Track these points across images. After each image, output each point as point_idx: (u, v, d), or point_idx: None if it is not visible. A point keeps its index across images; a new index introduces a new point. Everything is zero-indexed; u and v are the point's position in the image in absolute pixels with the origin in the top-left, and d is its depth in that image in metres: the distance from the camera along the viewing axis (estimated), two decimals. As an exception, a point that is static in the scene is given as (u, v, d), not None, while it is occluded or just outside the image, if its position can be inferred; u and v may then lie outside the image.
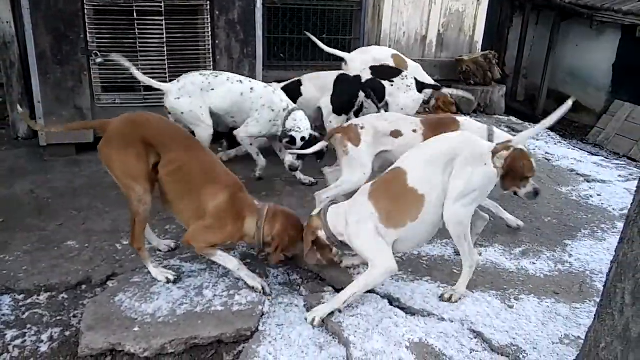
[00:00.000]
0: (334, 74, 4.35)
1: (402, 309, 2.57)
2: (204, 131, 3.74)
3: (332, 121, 4.22)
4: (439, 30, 6.88)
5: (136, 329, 2.36)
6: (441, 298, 2.64)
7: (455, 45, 7.01)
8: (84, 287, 2.77)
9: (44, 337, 2.46)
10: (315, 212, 2.71)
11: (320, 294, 2.70)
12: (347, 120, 4.18)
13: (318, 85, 4.34)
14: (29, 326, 2.51)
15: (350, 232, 2.52)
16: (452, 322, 2.49)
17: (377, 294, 2.66)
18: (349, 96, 4.25)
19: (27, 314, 2.59)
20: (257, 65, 4.71)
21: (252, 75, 4.68)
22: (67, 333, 2.48)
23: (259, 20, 4.59)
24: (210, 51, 4.52)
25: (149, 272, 2.78)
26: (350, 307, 2.55)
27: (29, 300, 2.67)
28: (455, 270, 2.92)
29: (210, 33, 4.46)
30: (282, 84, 4.38)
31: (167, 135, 2.68)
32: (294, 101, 4.14)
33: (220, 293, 2.65)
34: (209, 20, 4.41)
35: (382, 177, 2.64)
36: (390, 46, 6.66)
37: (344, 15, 6.94)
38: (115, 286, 2.70)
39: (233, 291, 2.66)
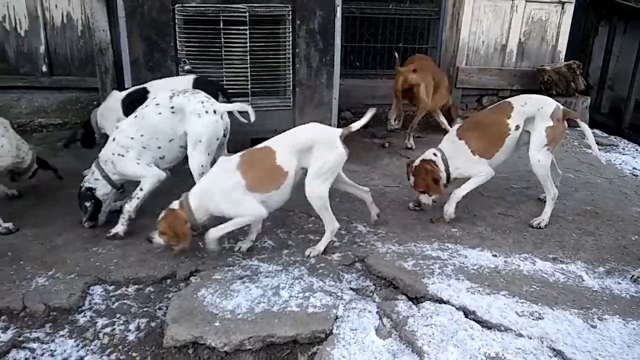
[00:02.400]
0: (186, 78, 4.05)
1: (478, 322, 2.53)
2: None
3: None
4: (519, 39, 6.69)
5: (217, 324, 2.46)
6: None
7: (537, 55, 6.80)
8: (168, 281, 2.93)
9: (132, 326, 2.62)
10: (175, 205, 3.01)
11: (393, 302, 2.72)
12: None
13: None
14: (118, 315, 2.69)
15: (217, 201, 2.95)
16: (531, 338, 2.43)
17: (453, 305, 2.64)
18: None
19: (116, 304, 2.77)
20: (334, 74, 4.78)
21: (330, 84, 4.77)
22: (153, 324, 2.63)
23: (338, 30, 4.67)
24: (290, 60, 4.64)
25: (229, 270, 2.91)
26: (424, 316, 2.55)
27: (118, 291, 2.86)
28: (534, 286, 2.85)
29: (290, 42, 4.58)
30: (126, 92, 4.06)
31: None
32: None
33: (295, 294, 2.72)
34: (290, 30, 4.53)
35: (249, 153, 3.09)
36: (468, 55, 6.57)
37: (421, 23, 6.91)
38: (198, 282, 2.84)
39: (308, 293, 2.72)
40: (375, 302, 2.74)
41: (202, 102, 3.30)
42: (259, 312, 2.56)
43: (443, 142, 3.74)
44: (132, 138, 3.27)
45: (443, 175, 3.63)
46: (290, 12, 4.48)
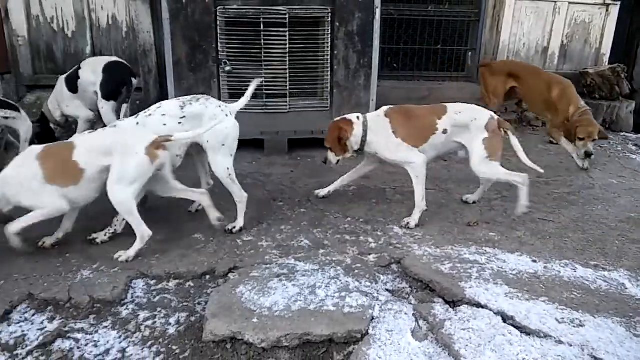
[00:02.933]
0: (105, 60, 4.52)
1: (517, 327, 2.50)
2: None
3: (104, 106, 4.45)
4: (562, 42, 6.57)
5: (255, 320, 2.50)
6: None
7: (580, 58, 6.66)
8: (207, 277, 2.99)
9: (172, 320, 2.69)
10: None
11: (429, 304, 2.71)
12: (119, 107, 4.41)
13: (92, 70, 4.50)
14: (158, 309, 2.76)
15: (16, 190, 2.94)
16: (571, 346, 2.38)
17: (491, 310, 2.61)
18: (117, 84, 4.43)
19: (157, 297, 2.84)
20: (372, 75, 4.80)
21: (367, 85, 4.79)
22: (193, 318, 2.69)
23: (376, 31, 4.68)
24: (329, 61, 4.68)
25: (267, 267, 2.96)
26: (461, 320, 2.53)
27: (159, 286, 2.93)
28: (575, 293, 2.79)
29: (329, 44, 4.62)
30: (65, 75, 4.63)
31: None
32: (74, 85, 4.49)
33: (332, 294, 2.74)
34: (329, 32, 4.57)
35: (55, 145, 3.13)
36: (508, 58, 6.47)
37: (460, 25, 6.86)
38: (237, 278, 2.89)
39: (344, 293, 2.74)
40: (411, 304, 2.73)
41: (220, 107, 3.32)
42: (295, 310, 2.58)
43: (371, 114, 3.75)
44: None
45: (354, 139, 3.61)
46: (330, 14, 4.52)
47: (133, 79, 4.56)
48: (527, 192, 3.60)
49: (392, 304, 2.71)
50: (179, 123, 3.25)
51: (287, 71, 4.61)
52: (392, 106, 3.80)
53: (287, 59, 4.57)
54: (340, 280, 2.88)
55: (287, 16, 4.42)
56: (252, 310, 2.57)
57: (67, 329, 2.59)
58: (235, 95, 4.65)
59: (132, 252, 3.10)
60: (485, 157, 3.55)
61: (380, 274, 2.99)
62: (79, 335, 2.56)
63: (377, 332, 2.48)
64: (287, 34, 4.48)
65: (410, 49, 6.79)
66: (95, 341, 2.54)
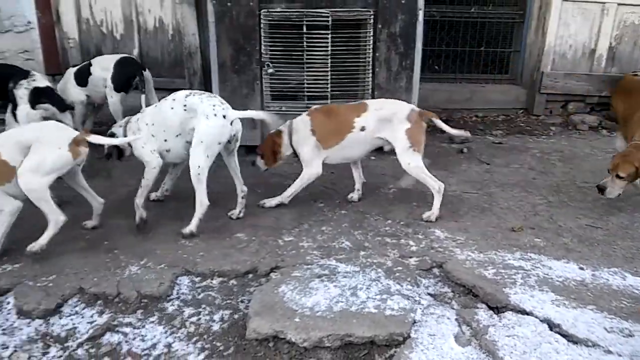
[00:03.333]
0: (116, 57, 4.97)
1: (564, 335, 2.44)
2: None
3: (113, 97, 4.87)
4: (610, 44, 6.38)
5: (297, 319, 2.53)
6: None
7: (629, 60, 6.45)
8: (250, 275, 3.04)
9: (216, 317, 2.74)
10: None
11: (473, 310, 2.68)
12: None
13: (103, 67, 4.88)
14: (203, 306, 2.82)
15: None
16: (620, 356, 2.32)
17: (536, 317, 2.56)
18: (127, 76, 4.85)
19: (202, 294, 2.91)
20: (414, 78, 4.77)
21: (409, 87, 4.76)
22: (236, 316, 2.74)
23: (419, 33, 4.66)
24: (370, 63, 4.68)
25: (308, 268, 2.98)
26: (506, 326, 2.50)
27: (204, 283, 2.99)
28: (624, 302, 2.71)
29: (371, 46, 4.62)
30: (75, 68, 5.01)
31: None
32: (85, 80, 4.87)
33: (373, 296, 2.74)
34: (372, 34, 4.57)
35: None
36: (554, 60, 6.34)
37: (504, 27, 6.75)
38: (278, 278, 2.92)
39: (385, 296, 2.74)
40: (454, 309, 2.71)
41: (214, 106, 3.36)
42: (337, 311, 2.60)
43: (300, 116, 3.90)
44: (146, 124, 3.53)
45: (284, 149, 3.87)
46: (372, 16, 4.52)
47: (144, 72, 4.93)
48: (440, 201, 3.69)
49: (434, 308, 2.69)
50: (184, 110, 3.39)
51: (329, 73, 4.63)
52: (317, 106, 3.98)
53: (329, 61, 4.60)
54: (381, 283, 2.87)
55: (329, 18, 4.44)
56: (294, 310, 2.60)
57: (115, 322, 2.67)
58: (278, 97, 4.72)
59: (44, 240, 3.14)
60: (409, 147, 3.68)
61: (422, 278, 2.98)
62: (127, 330, 2.64)
63: (419, 335, 2.47)
64: (329, 36, 4.50)
65: (453, 50, 6.72)
66: (142, 335, 2.61)
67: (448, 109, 6.44)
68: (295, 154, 3.90)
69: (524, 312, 2.61)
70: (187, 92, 3.50)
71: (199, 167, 3.33)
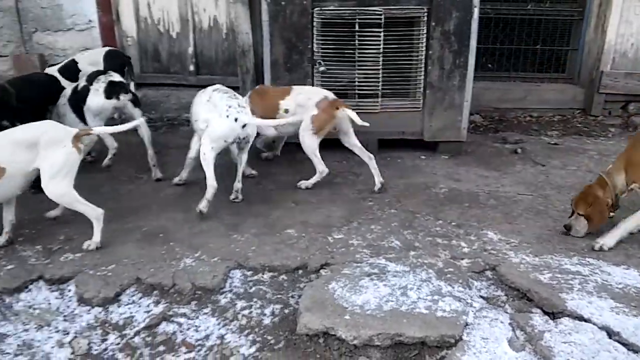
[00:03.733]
0: (102, 50, 5.18)
1: (623, 344, 2.36)
2: None
3: None
4: (676, 42, 6.07)
5: (347, 317, 2.53)
6: None
7: (695, 59, 6.12)
8: (300, 271, 3.07)
9: (267, 311, 2.79)
10: None
11: (527, 314, 2.62)
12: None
13: (91, 61, 4.98)
14: (254, 300, 2.87)
15: None
16: (686, 368, 2.22)
17: (594, 324, 2.48)
18: (119, 65, 4.95)
19: (253, 288, 2.96)
20: (467, 76, 4.69)
21: (462, 86, 4.68)
22: (286, 311, 2.78)
23: (474, 31, 4.57)
24: (423, 62, 4.62)
25: (358, 266, 2.99)
26: (562, 333, 2.43)
27: (255, 277, 3.04)
28: (690, 312, 2.59)
29: (424, 43, 4.57)
30: (58, 66, 5.02)
31: None
32: (75, 75, 4.83)
33: (424, 296, 2.72)
34: (425, 31, 4.52)
35: None
36: (614, 59, 6.09)
37: (562, 24, 6.53)
38: (328, 275, 2.94)
39: (437, 297, 2.71)
40: (507, 312, 2.65)
41: (229, 107, 3.63)
42: (387, 310, 2.59)
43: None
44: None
45: None
46: (426, 14, 4.47)
47: (130, 61, 5.25)
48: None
49: (487, 311, 2.64)
50: (207, 101, 3.76)
51: (380, 71, 4.61)
52: (257, 86, 4.48)
53: (381, 59, 4.57)
54: (432, 284, 2.85)
55: (382, 16, 4.42)
56: (344, 307, 2.61)
57: (170, 313, 2.76)
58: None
59: (96, 237, 3.26)
60: (310, 130, 4.03)
61: (474, 280, 2.93)
62: (181, 320, 2.72)
63: (471, 338, 2.44)
64: (382, 34, 4.48)
65: (507, 48, 6.55)
66: (196, 326, 2.69)
67: (501, 108, 6.29)
68: None
69: (581, 319, 2.54)
70: (216, 86, 3.87)
71: (204, 154, 3.65)
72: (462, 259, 3.13)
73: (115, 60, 5.08)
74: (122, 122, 4.17)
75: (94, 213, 3.25)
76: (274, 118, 4.05)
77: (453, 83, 4.68)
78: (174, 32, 5.86)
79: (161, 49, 5.91)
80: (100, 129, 3.44)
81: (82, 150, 3.26)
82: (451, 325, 2.49)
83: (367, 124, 4.01)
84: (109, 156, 4.37)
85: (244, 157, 3.91)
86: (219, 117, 3.61)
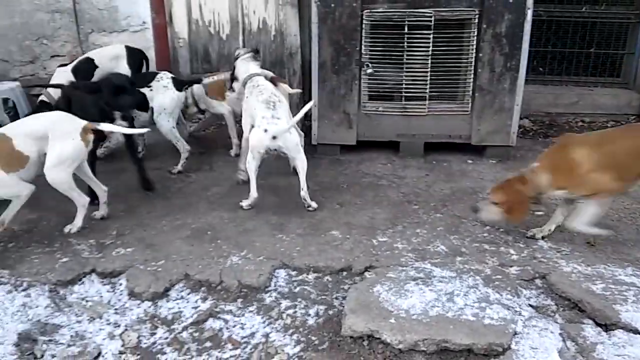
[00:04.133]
0: (118, 47, 5.27)
1: (683, 359, 2.26)
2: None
3: None
4: None
5: (392, 320, 2.52)
6: None
7: None
8: (344, 273, 3.07)
9: (311, 311, 2.80)
10: None
11: (578, 325, 2.54)
12: None
13: (112, 56, 5.08)
14: (299, 299, 2.88)
15: None
16: None
17: (651, 337, 2.39)
18: (140, 60, 5.21)
19: (298, 288, 2.98)
20: (518, 79, 4.59)
21: (512, 89, 4.59)
22: (330, 312, 2.78)
23: (526, 33, 4.47)
24: (472, 64, 4.55)
25: (403, 270, 2.96)
26: (616, 345, 2.35)
27: (299, 277, 3.06)
28: None
29: (474, 46, 4.50)
30: (71, 65, 5.00)
31: None
32: (92, 74, 4.85)
33: (471, 303, 2.67)
34: (475, 34, 4.45)
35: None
36: (675, 63, 5.84)
37: (617, 28, 6.30)
38: (373, 278, 2.93)
39: (484, 304, 2.66)
40: (557, 322, 2.58)
41: (263, 118, 3.68)
42: (433, 316, 2.56)
43: None
44: None
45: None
46: (477, 16, 4.39)
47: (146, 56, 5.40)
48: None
49: (536, 321, 2.58)
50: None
51: (428, 74, 4.56)
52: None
53: (429, 61, 4.52)
54: (480, 290, 2.80)
55: (432, 18, 4.37)
56: (390, 311, 2.59)
57: (217, 309, 2.81)
58: (375, 98, 4.72)
59: (78, 221, 3.50)
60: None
61: (523, 288, 2.86)
62: (227, 317, 2.77)
63: (520, 347, 2.39)
64: (431, 36, 4.43)
65: (559, 51, 6.38)
66: (242, 324, 2.73)
67: (551, 112, 6.11)
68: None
69: (636, 332, 2.45)
70: (265, 94, 3.85)
71: (248, 163, 3.76)
72: (511, 266, 3.06)
73: (137, 54, 5.26)
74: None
75: (82, 201, 3.49)
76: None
77: (503, 86, 4.58)
78: (224, 34, 5.96)
79: (211, 50, 6.02)
80: (107, 126, 3.57)
81: (90, 144, 3.47)
82: (499, 333, 2.44)
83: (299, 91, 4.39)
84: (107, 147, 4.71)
85: (299, 163, 3.76)
86: (257, 127, 3.69)
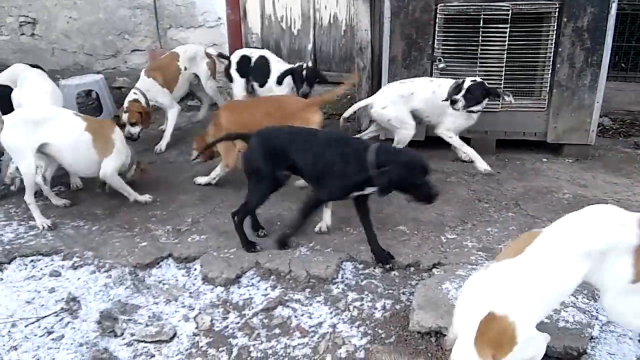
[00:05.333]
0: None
1: None
2: (408, 131, 4.32)
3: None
4: None
5: (461, 318, 2.49)
6: None
7: None
8: (412, 269, 3.06)
9: (378, 305, 2.81)
10: None
11: (662, 334, 2.41)
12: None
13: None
14: (366, 292, 2.90)
15: None
16: None
17: None
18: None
19: (364, 282, 3.00)
20: (600, 76, 4.37)
21: (593, 86, 4.38)
22: (397, 306, 2.78)
23: (610, 28, 4.25)
24: (550, 59, 4.38)
25: (472, 268, 2.92)
26: None
27: (366, 270, 3.08)
28: None
29: (553, 40, 4.32)
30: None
31: None
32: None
33: (544, 305, 2.59)
34: (555, 28, 4.27)
35: None
36: None
37: None
38: (441, 274, 2.90)
39: (560, 307, 2.57)
40: (638, 330, 2.46)
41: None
42: (505, 316, 2.50)
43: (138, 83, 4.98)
44: None
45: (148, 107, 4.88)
46: (557, 9, 4.22)
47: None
48: None
49: (614, 326, 2.48)
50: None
51: (503, 69, 4.43)
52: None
53: (505, 56, 4.39)
54: (554, 293, 2.70)
55: (509, 12, 4.24)
56: (459, 308, 2.56)
57: (286, 298, 2.87)
58: (446, 92, 4.63)
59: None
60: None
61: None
62: (296, 306, 2.83)
63: (596, 352, 2.31)
64: (508, 30, 4.30)
65: (645, 47, 6.03)
66: (310, 313, 2.78)
67: (634, 111, 5.78)
68: None
69: None
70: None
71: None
72: (587, 269, 2.94)
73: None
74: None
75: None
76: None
77: (584, 82, 4.39)
78: (295, 29, 6.05)
79: (282, 45, 6.13)
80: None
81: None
82: (575, 337, 2.37)
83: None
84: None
85: None
86: None
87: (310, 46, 6.03)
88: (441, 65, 4.47)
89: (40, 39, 6.71)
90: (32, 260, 3.26)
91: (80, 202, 3.96)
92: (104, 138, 3.71)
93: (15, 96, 4.19)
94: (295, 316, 2.77)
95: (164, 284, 3.08)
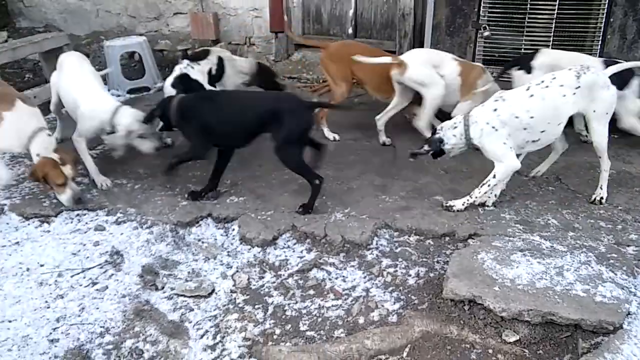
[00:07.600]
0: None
1: None
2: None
3: None
4: None
5: (496, 288, 2.49)
6: None
7: None
8: (447, 238, 3.07)
9: (412, 272, 2.84)
10: None
11: (703, 313, 2.36)
12: None
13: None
14: (400, 259, 2.93)
15: None
16: None
17: None
18: None
19: (399, 249, 3.02)
20: (653, 48, 4.21)
21: (643, 59, 4.21)
22: (431, 274, 2.80)
23: (669, -3, 4.06)
24: (601, 30, 4.22)
25: (509, 240, 2.90)
26: None
27: (401, 238, 3.10)
28: None
29: (605, 10, 4.16)
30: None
31: None
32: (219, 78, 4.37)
33: (581, 279, 2.56)
34: (608, -3, 4.12)
35: None
36: None
37: None
38: (477, 245, 2.89)
39: (597, 281, 2.54)
40: (678, 308, 2.42)
41: (599, 75, 3.15)
42: (540, 288, 2.49)
43: None
44: (517, 117, 3.11)
45: None
46: (612, -23, 4.06)
47: None
48: None
49: (653, 304, 2.43)
50: (574, 93, 3.11)
51: (551, 38, 4.31)
52: None
53: (553, 25, 4.26)
54: (592, 267, 2.67)
55: (560, -21, 4.11)
56: (494, 279, 2.56)
57: (321, 261, 2.93)
58: (489, 62, 4.53)
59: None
60: None
61: (640, 269, 2.70)
62: (330, 269, 2.88)
63: (633, 328, 2.29)
64: (558, -1, 4.17)
65: None
66: (343, 276, 2.83)
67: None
68: None
69: None
70: (573, 73, 3.16)
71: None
72: (629, 245, 2.89)
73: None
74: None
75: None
76: None
77: (635, 55, 4.23)
78: (336, -6, 5.96)
79: (323, 10, 6.05)
80: None
81: None
82: (611, 312, 2.34)
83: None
84: None
85: None
86: (608, 90, 3.19)
87: (351, 12, 5.94)
88: (486, 34, 4.37)
89: (86, 1, 6.80)
90: (77, 215, 3.39)
91: (124, 162, 4.06)
92: None
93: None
94: (330, 279, 2.82)
95: (203, 242, 3.16)
